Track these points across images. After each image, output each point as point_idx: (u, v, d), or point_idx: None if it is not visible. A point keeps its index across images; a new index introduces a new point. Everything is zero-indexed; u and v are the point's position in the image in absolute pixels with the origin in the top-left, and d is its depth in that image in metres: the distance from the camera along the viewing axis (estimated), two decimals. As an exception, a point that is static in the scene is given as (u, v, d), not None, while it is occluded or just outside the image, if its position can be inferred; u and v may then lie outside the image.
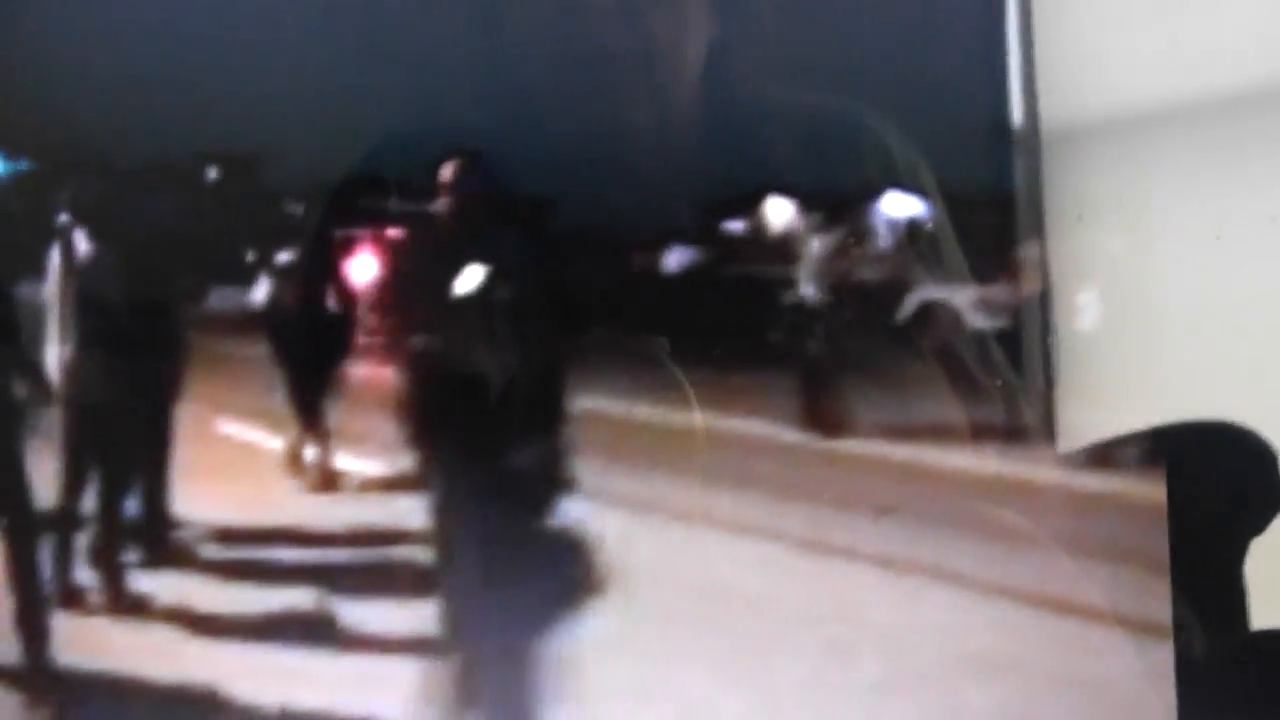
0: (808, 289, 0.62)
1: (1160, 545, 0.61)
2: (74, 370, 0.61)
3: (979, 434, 0.62)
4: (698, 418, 0.62)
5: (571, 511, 0.61)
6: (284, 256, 0.64)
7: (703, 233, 0.64)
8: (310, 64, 0.61)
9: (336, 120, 0.62)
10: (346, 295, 0.63)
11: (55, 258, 0.61)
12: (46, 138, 0.61)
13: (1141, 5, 0.65)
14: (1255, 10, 0.65)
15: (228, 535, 0.63)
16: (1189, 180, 0.64)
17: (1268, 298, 0.64)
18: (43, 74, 0.60)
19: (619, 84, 0.63)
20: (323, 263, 0.63)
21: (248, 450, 0.64)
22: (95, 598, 0.62)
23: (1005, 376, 0.63)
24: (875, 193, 0.64)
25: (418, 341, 0.62)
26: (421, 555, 0.63)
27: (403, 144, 0.63)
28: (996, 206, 0.65)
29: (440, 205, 0.63)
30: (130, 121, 0.61)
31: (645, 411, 0.62)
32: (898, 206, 0.65)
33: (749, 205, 0.64)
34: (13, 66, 0.59)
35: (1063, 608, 0.62)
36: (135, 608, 0.61)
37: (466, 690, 0.61)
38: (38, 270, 0.62)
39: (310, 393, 0.64)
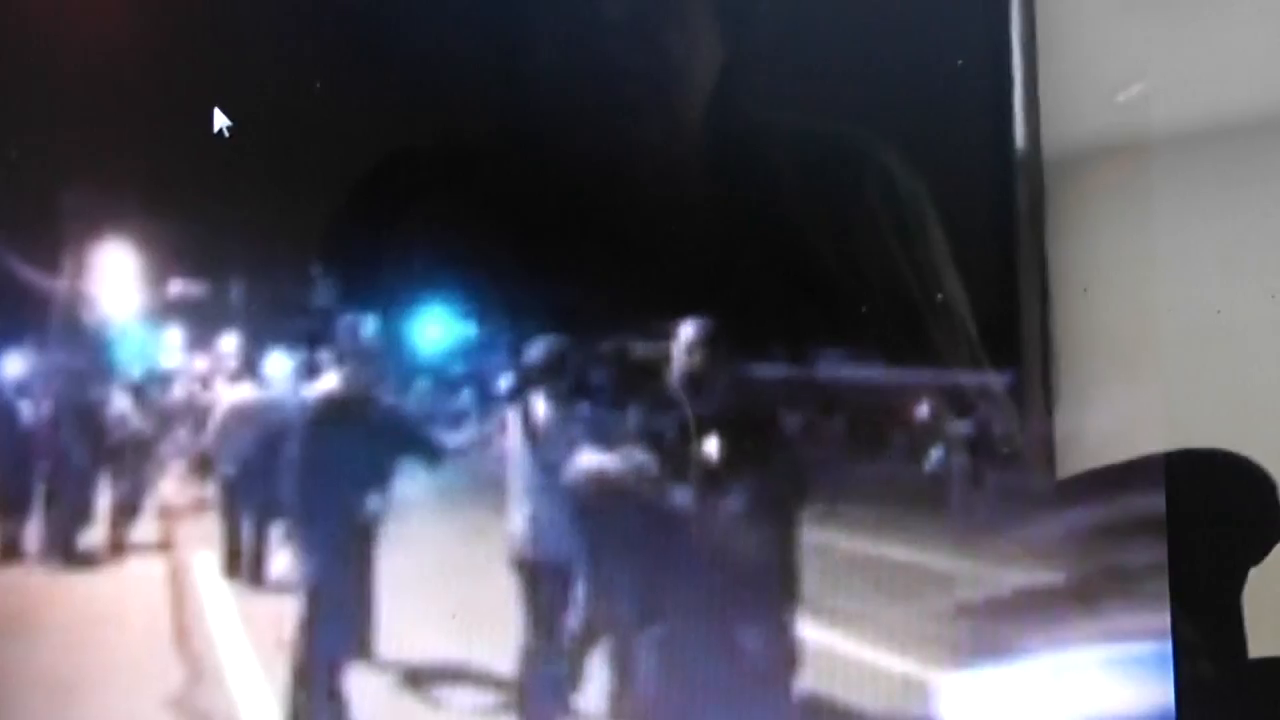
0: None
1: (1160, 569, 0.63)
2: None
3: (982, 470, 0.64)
4: (700, 451, 0.63)
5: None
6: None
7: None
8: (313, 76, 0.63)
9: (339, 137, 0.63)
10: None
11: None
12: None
13: (1149, 33, 0.66)
14: (1266, 40, 0.66)
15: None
16: (1197, 205, 0.65)
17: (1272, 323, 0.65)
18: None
19: (632, 103, 0.64)
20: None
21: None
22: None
23: (1014, 436, 0.64)
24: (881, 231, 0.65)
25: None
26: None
27: (410, 163, 0.64)
28: (997, 235, 0.66)
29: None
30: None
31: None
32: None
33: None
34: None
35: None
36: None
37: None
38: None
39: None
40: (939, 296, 0.64)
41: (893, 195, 0.64)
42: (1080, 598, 0.62)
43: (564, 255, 0.63)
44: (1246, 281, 0.65)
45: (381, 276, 0.63)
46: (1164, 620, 0.62)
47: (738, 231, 0.65)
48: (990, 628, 0.62)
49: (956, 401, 0.63)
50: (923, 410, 0.63)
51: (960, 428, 0.63)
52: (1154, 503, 0.63)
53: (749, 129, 0.64)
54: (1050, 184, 0.65)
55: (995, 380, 0.64)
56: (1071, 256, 0.65)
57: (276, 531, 0.64)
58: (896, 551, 0.63)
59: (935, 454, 0.63)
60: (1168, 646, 0.62)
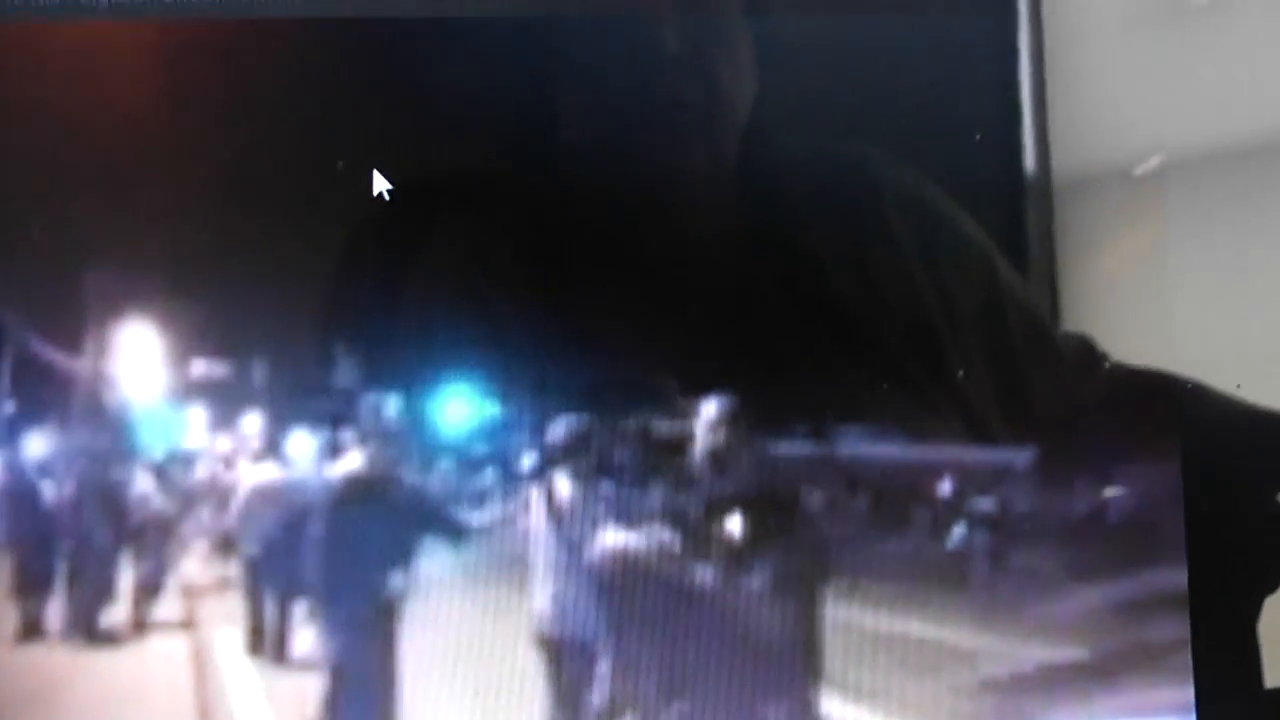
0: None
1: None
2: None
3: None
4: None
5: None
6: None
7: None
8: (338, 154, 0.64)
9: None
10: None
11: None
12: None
13: (1154, 60, 0.67)
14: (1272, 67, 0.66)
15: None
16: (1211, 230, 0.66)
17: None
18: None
19: (682, 134, 0.65)
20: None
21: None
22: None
23: (1035, 512, 0.65)
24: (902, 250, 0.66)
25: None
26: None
27: (428, 244, 0.65)
28: (1009, 257, 0.67)
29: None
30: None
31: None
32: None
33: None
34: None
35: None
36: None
37: None
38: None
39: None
40: (960, 373, 0.64)
41: (915, 215, 0.64)
42: (1103, 673, 0.63)
43: (586, 333, 0.64)
44: (1262, 347, 0.66)
45: (403, 355, 0.64)
46: (1187, 695, 0.63)
47: (762, 306, 0.65)
48: (1014, 703, 0.63)
49: (978, 478, 0.63)
50: (945, 487, 0.64)
51: (982, 504, 0.63)
52: (1175, 578, 0.63)
53: (771, 171, 0.65)
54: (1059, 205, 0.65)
55: (1017, 456, 0.64)
56: (1086, 325, 0.66)
57: (300, 609, 0.65)
58: (919, 628, 0.63)
59: (958, 531, 0.63)
60: (1190, 720, 0.63)
